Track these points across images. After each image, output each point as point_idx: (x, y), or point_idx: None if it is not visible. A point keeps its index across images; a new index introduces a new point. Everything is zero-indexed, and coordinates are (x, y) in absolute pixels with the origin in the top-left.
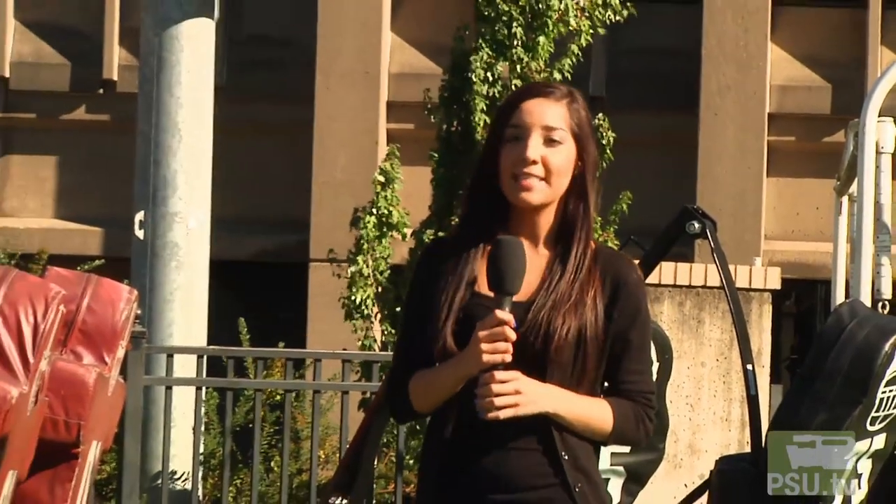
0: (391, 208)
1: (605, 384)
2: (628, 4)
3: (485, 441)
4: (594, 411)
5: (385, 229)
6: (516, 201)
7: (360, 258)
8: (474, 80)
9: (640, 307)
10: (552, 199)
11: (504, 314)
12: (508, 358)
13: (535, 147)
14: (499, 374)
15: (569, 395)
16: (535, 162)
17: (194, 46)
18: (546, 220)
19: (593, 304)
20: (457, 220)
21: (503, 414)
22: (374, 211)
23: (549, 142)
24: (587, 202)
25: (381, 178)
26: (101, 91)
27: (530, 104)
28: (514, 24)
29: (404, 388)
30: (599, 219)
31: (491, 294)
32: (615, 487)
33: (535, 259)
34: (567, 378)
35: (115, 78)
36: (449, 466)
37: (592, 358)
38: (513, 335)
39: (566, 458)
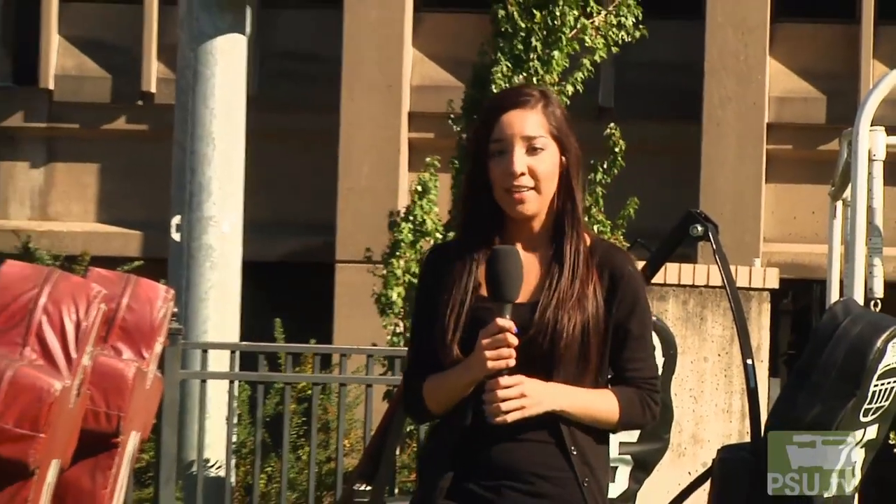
0: (426, 217)
1: (610, 372)
2: (640, 26)
3: (497, 438)
4: (599, 403)
5: (419, 236)
6: (513, 213)
7: (394, 260)
8: (494, 91)
9: (638, 297)
10: (545, 206)
11: (505, 321)
12: (512, 363)
13: (519, 159)
14: (503, 380)
15: (573, 391)
16: (522, 174)
17: (227, 60)
18: (539, 222)
19: (594, 298)
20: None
21: (510, 417)
22: (411, 218)
23: (532, 150)
24: (574, 198)
25: (419, 188)
26: (140, 102)
27: (509, 117)
28: (533, 38)
29: (419, 392)
30: (609, 222)
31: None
32: (623, 475)
33: (534, 260)
34: (574, 372)
35: (154, 90)
36: (462, 457)
37: (596, 350)
38: (514, 340)
39: (574, 452)
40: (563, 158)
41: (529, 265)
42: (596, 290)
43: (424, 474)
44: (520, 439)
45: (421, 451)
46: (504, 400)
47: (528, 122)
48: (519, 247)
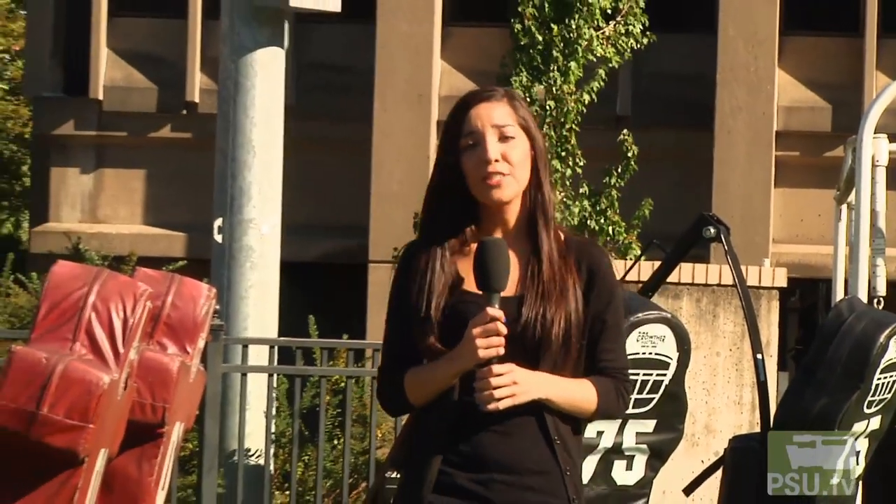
0: None
1: (586, 362)
2: (647, 33)
3: (483, 426)
4: (580, 392)
5: None
6: (489, 201)
7: None
8: None
9: (614, 290)
10: (519, 192)
11: (495, 311)
12: (502, 351)
13: (493, 146)
14: (496, 368)
15: (558, 381)
16: (496, 160)
17: (267, 72)
18: (513, 215)
19: (574, 291)
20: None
21: (502, 405)
22: None
23: (504, 138)
24: (543, 191)
25: None
26: (184, 112)
27: (477, 110)
28: (554, 50)
29: (398, 385)
30: (624, 223)
31: (477, 291)
32: (640, 463)
33: (511, 254)
34: (557, 363)
35: (197, 100)
36: (450, 449)
37: (577, 341)
38: (504, 329)
39: (558, 441)
40: (532, 151)
41: (511, 258)
42: (575, 283)
43: (410, 466)
44: (505, 430)
45: (404, 447)
46: (496, 387)
47: (497, 113)
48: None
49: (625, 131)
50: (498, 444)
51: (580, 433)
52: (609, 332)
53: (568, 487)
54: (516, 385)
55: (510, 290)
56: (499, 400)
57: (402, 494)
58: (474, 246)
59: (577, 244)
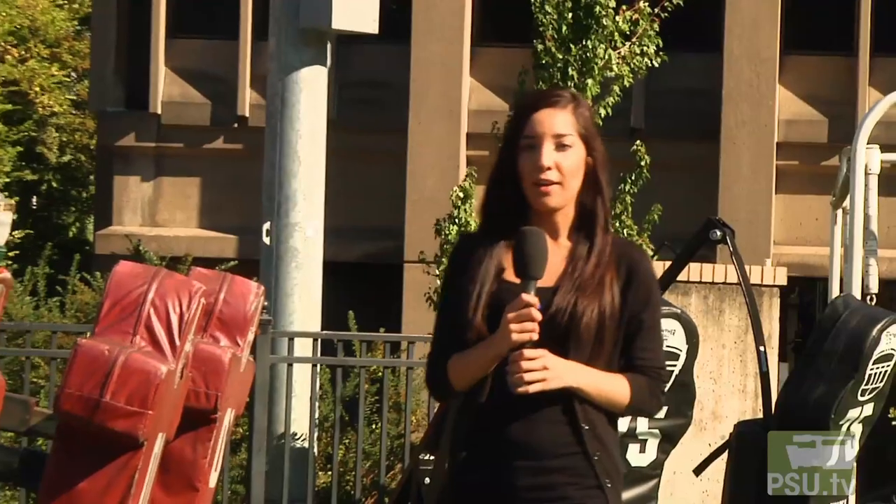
0: (469, 219)
1: (622, 359)
2: (660, 53)
3: (514, 413)
4: (613, 385)
5: None
6: (538, 206)
7: (445, 259)
8: None
9: (652, 291)
10: (569, 201)
11: (529, 297)
12: (535, 336)
13: (548, 154)
14: (527, 352)
15: (590, 371)
16: (549, 168)
17: (311, 89)
18: (564, 216)
19: (611, 289)
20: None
21: (532, 388)
22: (456, 221)
23: (560, 147)
24: (602, 195)
25: (461, 195)
26: (235, 125)
27: (540, 115)
28: (570, 68)
29: (443, 370)
30: (636, 226)
31: (518, 281)
32: (652, 447)
33: (557, 250)
34: (587, 355)
35: (247, 115)
36: (479, 435)
37: (610, 336)
38: (538, 315)
39: (586, 428)
40: (590, 158)
41: (555, 254)
42: (613, 282)
43: (443, 450)
44: (535, 416)
45: (437, 427)
46: (527, 371)
47: (558, 121)
48: (546, 237)
49: (638, 142)
50: (524, 430)
51: (615, 425)
52: (645, 332)
53: (598, 472)
54: (547, 370)
55: (550, 280)
56: (529, 383)
57: (434, 476)
58: None
59: (619, 245)
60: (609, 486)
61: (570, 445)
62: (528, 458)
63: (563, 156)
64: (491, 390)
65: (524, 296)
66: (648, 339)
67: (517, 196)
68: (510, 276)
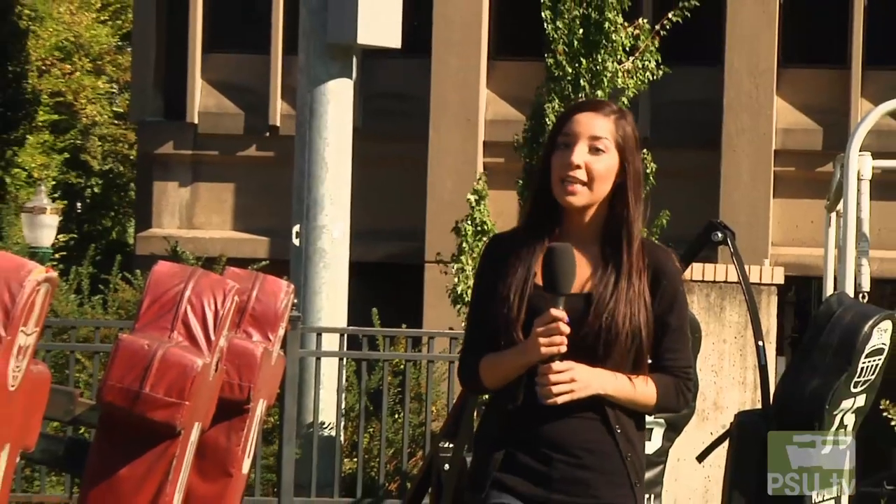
0: (486, 219)
1: (649, 361)
2: (661, 67)
3: (547, 414)
4: (639, 389)
5: (480, 235)
6: (563, 202)
7: (462, 258)
8: (547, 124)
9: (678, 293)
10: (593, 202)
11: (558, 312)
12: (563, 349)
13: (580, 153)
14: (555, 366)
15: (617, 377)
16: (578, 166)
17: (337, 100)
18: (592, 220)
19: (643, 295)
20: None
21: (560, 400)
22: (471, 221)
23: (594, 150)
24: (629, 208)
25: (475, 197)
26: (267, 134)
27: (581, 116)
28: (582, 80)
29: (475, 368)
30: (645, 230)
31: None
32: (658, 435)
33: (587, 254)
34: (622, 360)
35: (278, 124)
36: (515, 431)
37: (644, 341)
38: (566, 329)
39: (619, 431)
40: (623, 167)
41: (581, 258)
42: (644, 287)
43: (479, 449)
44: (568, 418)
45: (477, 429)
46: (556, 384)
47: (597, 124)
48: (574, 239)
49: (645, 151)
50: (557, 428)
51: (643, 429)
52: (672, 334)
53: (630, 472)
54: (574, 382)
55: (578, 286)
56: (557, 395)
57: (453, 463)
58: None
59: (648, 247)
60: (638, 486)
61: (604, 445)
62: (564, 453)
63: (596, 159)
64: (525, 393)
65: (553, 311)
66: (675, 340)
67: (553, 198)
68: (541, 280)
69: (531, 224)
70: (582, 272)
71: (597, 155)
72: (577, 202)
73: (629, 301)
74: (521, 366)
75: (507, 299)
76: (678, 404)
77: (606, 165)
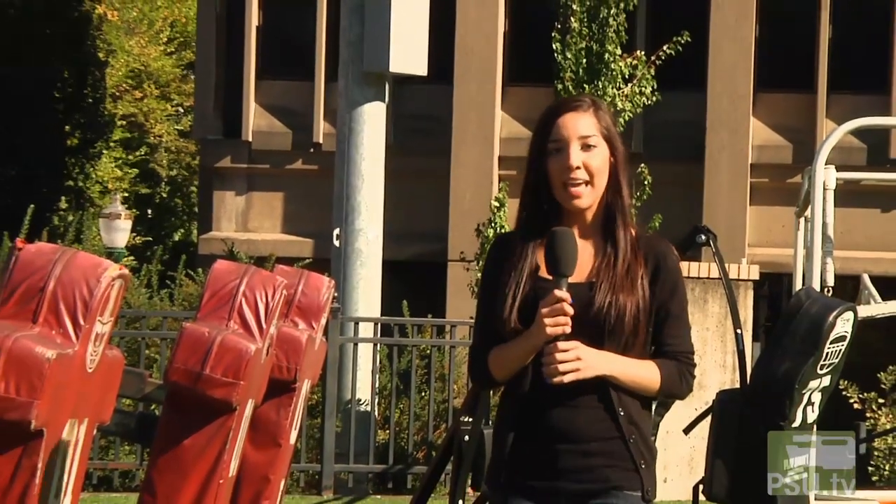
0: (504, 224)
1: (653, 347)
2: (656, 92)
3: (553, 401)
4: (644, 372)
5: None
6: (569, 206)
7: (484, 256)
8: None
9: (678, 281)
10: (597, 198)
11: (562, 293)
12: (568, 330)
13: (575, 155)
14: (561, 344)
15: (621, 359)
16: (578, 167)
17: (372, 120)
18: (591, 214)
19: (642, 282)
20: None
21: (567, 378)
22: (493, 225)
23: (586, 147)
24: (622, 193)
25: (497, 203)
26: (311, 150)
27: (564, 119)
28: None
29: (484, 363)
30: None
31: (550, 277)
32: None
33: (588, 246)
34: (622, 345)
35: (321, 141)
36: (524, 423)
37: (643, 327)
38: (570, 310)
39: (622, 413)
40: (612, 157)
41: (585, 250)
42: (644, 276)
43: (496, 437)
44: (572, 403)
45: (495, 418)
46: (561, 362)
47: (582, 123)
48: (575, 234)
49: (642, 165)
50: (564, 416)
51: (649, 408)
52: (673, 320)
53: (633, 453)
54: (580, 360)
55: (582, 276)
56: (563, 374)
57: (472, 434)
58: None
59: (646, 240)
60: (644, 467)
61: (608, 430)
62: (569, 442)
63: (590, 156)
64: (531, 380)
65: (556, 291)
66: (676, 326)
67: (549, 199)
68: (545, 273)
69: (531, 223)
70: (585, 263)
71: (590, 151)
72: (583, 204)
73: (631, 286)
74: (528, 350)
75: (511, 293)
76: (682, 388)
77: (601, 159)
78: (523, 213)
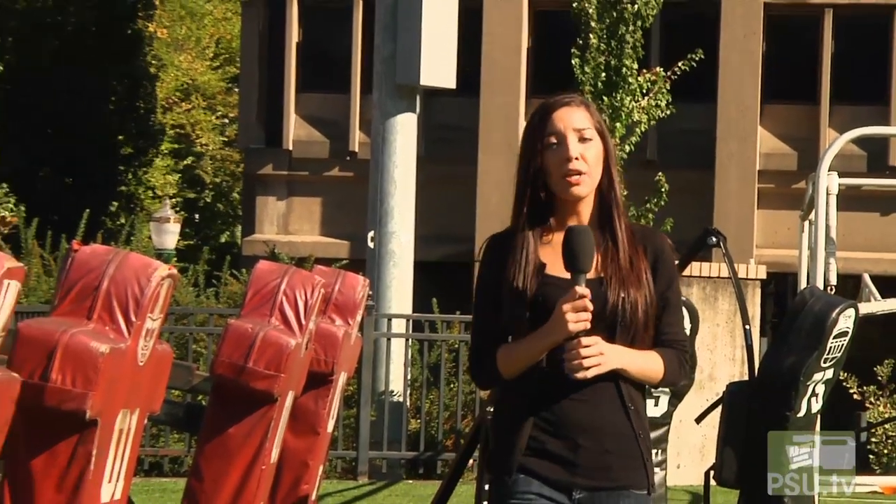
0: None
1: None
2: (669, 105)
3: (566, 394)
4: (651, 363)
5: None
6: (568, 196)
7: None
8: None
9: (674, 272)
10: (593, 189)
11: (583, 289)
12: (589, 326)
13: (573, 146)
14: (584, 340)
15: (632, 352)
16: (577, 158)
17: (404, 131)
18: (586, 208)
19: (646, 275)
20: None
21: (590, 373)
22: None
23: (583, 140)
24: (614, 187)
25: None
26: (348, 158)
27: (559, 114)
28: (604, 114)
29: (490, 360)
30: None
31: (559, 275)
32: (664, 402)
33: None
34: (632, 338)
35: (357, 150)
36: (539, 415)
37: (651, 319)
38: (591, 306)
39: (632, 408)
40: (605, 152)
41: None
42: (646, 268)
43: (501, 431)
44: (585, 398)
45: (494, 414)
46: (585, 357)
47: (577, 117)
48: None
49: (659, 173)
50: (579, 409)
51: (645, 400)
52: (670, 309)
53: (643, 450)
54: (602, 356)
55: (590, 272)
56: (587, 369)
57: (495, 459)
58: (555, 235)
59: (641, 232)
60: (647, 461)
61: (623, 426)
62: (590, 438)
63: (586, 147)
64: (542, 376)
65: (578, 288)
66: (672, 315)
67: (545, 193)
68: (552, 270)
69: (527, 219)
70: None
71: (586, 144)
72: (582, 192)
73: (637, 280)
74: (545, 347)
75: (519, 291)
76: (680, 376)
77: (597, 150)
78: (521, 210)
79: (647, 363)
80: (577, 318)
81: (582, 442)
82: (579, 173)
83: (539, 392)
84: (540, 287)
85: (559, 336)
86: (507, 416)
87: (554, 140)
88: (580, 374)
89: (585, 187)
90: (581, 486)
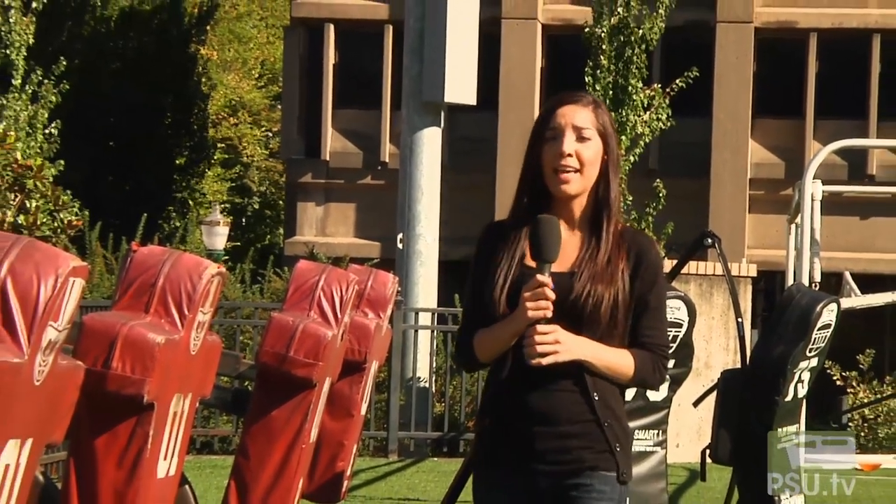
0: None
1: (630, 337)
2: (670, 118)
3: (531, 385)
4: (619, 360)
5: None
6: (557, 192)
7: None
8: None
9: (658, 276)
10: (586, 189)
11: (543, 277)
12: (549, 314)
13: (569, 143)
14: (541, 327)
15: (598, 346)
16: (570, 155)
17: (430, 143)
18: (580, 206)
19: (622, 274)
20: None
21: (545, 360)
22: None
23: (581, 138)
24: (611, 191)
25: None
26: (379, 168)
27: (563, 110)
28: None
29: (469, 345)
30: (655, 237)
31: (535, 264)
32: (664, 387)
33: (573, 238)
34: (600, 333)
35: (387, 160)
36: (503, 405)
37: (622, 317)
38: (552, 294)
39: (597, 398)
40: (605, 155)
41: (570, 241)
42: (624, 267)
43: (479, 417)
44: (549, 387)
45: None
46: (540, 344)
47: (579, 115)
48: (562, 225)
49: (657, 181)
50: (541, 398)
51: (623, 394)
52: (651, 312)
53: (608, 437)
54: (559, 343)
55: (566, 266)
56: (542, 355)
57: (475, 444)
58: None
59: (630, 234)
60: (618, 449)
61: (583, 414)
62: (546, 425)
63: (583, 146)
64: (511, 364)
65: (538, 276)
66: (653, 319)
67: (542, 188)
68: (531, 260)
69: (522, 212)
70: (570, 253)
71: (584, 143)
72: (571, 190)
73: (610, 276)
74: (511, 334)
75: (497, 280)
76: (654, 379)
77: (594, 151)
78: (521, 201)
79: (614, 359)
80: (536, 305)
81: (537, 429)
82: (570, 170)
83: (508, 380)
84: (518, 276)
85: (521, 323)
86: (484, 403)
87: (553, 134)
88: (535, 361)
89: (574, 185)
90: (545, 471)
